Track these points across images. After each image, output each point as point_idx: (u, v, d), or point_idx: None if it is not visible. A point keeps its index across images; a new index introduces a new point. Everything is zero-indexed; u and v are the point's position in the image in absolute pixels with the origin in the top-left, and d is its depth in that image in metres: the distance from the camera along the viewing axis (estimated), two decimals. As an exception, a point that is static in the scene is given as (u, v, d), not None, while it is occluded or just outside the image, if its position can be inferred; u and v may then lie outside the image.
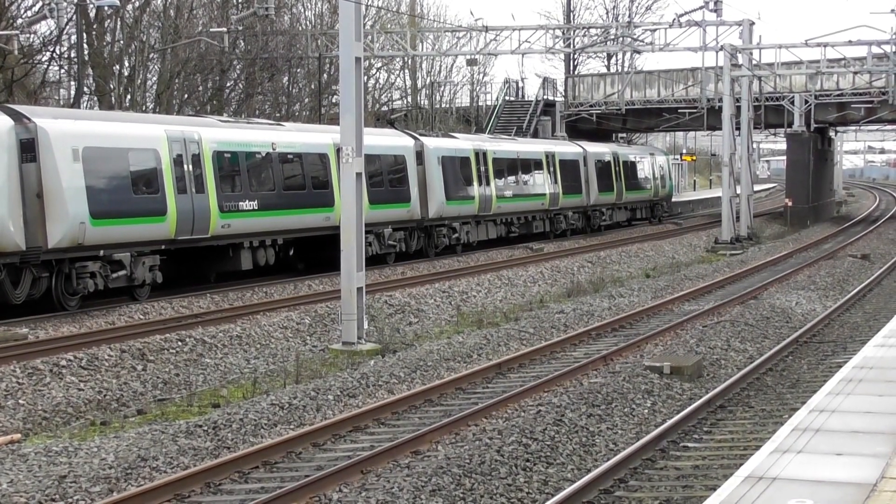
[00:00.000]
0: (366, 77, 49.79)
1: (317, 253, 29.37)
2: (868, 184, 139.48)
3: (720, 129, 47.73)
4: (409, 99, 63.32)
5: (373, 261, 29.61)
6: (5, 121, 20.58)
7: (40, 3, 36.36)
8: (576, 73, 66.38)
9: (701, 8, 44.37)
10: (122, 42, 42.20)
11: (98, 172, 21.93)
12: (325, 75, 50.37)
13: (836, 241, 45.95)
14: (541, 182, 42.09)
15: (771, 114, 56.97)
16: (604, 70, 70.12)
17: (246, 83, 48.89)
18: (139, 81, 40.80)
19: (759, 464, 8.88)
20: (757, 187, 69.67)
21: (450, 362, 18.47)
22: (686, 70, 57.95)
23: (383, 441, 13.24)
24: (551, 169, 42.81)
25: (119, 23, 42.42)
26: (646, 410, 15.07)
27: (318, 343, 20.40)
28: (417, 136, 34.80)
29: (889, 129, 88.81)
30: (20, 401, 15.07)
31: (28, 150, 20.73)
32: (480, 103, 63.10)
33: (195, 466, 11.99)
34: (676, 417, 14.09)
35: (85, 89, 40.27)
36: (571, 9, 71.61)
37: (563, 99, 59.42)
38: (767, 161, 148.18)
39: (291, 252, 29.37)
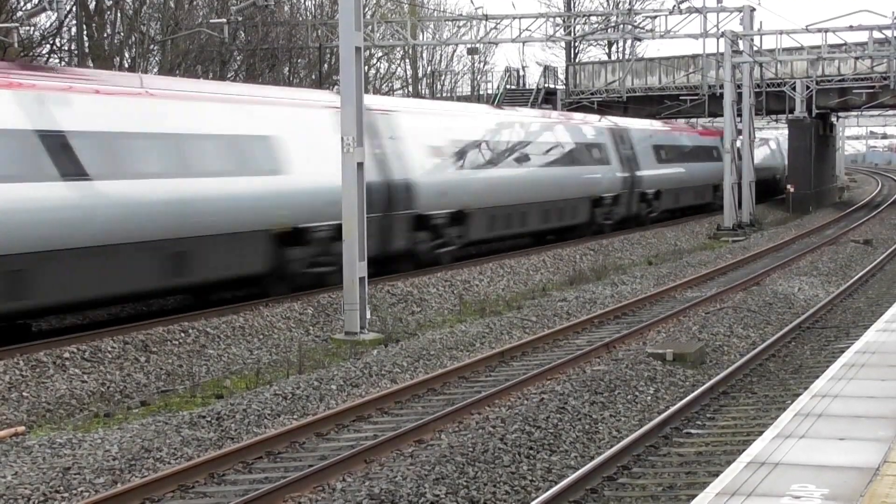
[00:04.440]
0: (366, 67, 49.77)
1: None
2: (870, 169, 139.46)
3: (721, 115, 47.70)
4: (411, 88, 63.31)
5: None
6: None
7: (40, -4, 36.33)
8: (577, 61, 66.36)
9: (701, -6, 44.27)
10: (122, 34, 42.20)
11: None
12: (325, 65, 50.34)
13: (839, 227, 45.93)
14: None
15: (772, 100, 56.93)
16: (605, 58, 70.07)
17: (247, 74, 48.83)
18: (140, 73, 40.76)
19: (762, 449, 8.90)
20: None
21: (452, 351, 18.49)
22: (687, 57, 57.93)
23: (387, 430, 13.26)
24: None
25: (119, 14, 42.41)
26: (649, 397, 15.08)
27: (321, 333, 20.42)
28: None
29: (891, 115, 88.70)
30: (24, 393, 15.09)
31: None
32: (481, 92, 63.05)
33: (199, 457, 12.01)
34: (679, 404, 14.10)
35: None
36: (572, -3, 71.51)
37: (564, 87, 59.38)
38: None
39: None
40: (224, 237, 20.08)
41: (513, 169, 32.19)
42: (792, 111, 56.75)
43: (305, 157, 22.76)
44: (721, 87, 47.74)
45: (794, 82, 55.43)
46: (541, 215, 33.54)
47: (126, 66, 40.69)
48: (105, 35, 41.86)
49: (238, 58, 48.80)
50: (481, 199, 29.49)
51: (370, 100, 25.82)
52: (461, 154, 29.12)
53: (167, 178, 19.39)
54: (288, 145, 22.53)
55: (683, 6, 44.03)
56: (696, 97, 55.12)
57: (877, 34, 44.91)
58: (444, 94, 62.36)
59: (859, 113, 78.46)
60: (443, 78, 64.77)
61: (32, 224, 16.76)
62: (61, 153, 17.57)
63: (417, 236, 26.61)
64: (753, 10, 45.38)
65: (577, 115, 42.39)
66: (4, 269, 16.35)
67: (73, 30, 38.60)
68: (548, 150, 34.96)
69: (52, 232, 17.01)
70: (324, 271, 22.78)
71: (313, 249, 22.59)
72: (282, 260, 21.97)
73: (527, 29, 45.77)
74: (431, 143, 27.86)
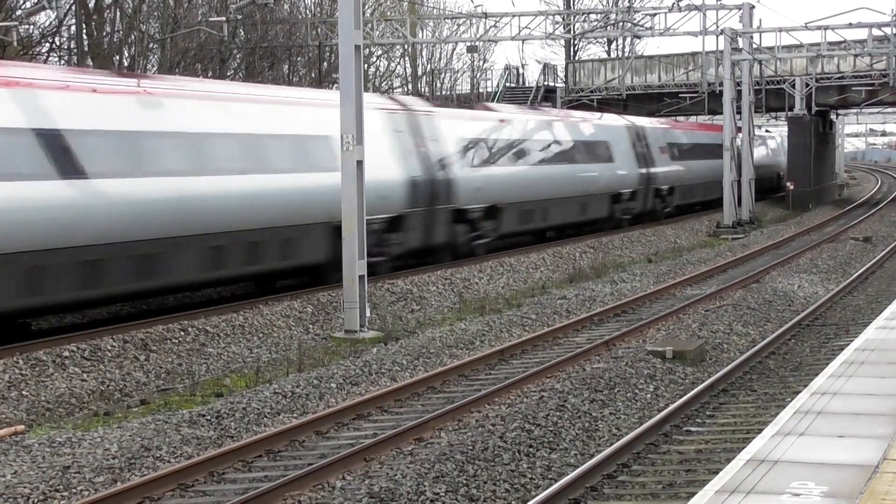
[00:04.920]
0: (366, 65, 49.71)
1: None
2: (870, 166, 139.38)
3: (721, 113, 47.68)
4: (410, 86, 63.27)
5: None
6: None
7: (39, -6, 36.27)
8: (576, 58, 66.36)
9: (701, -8, 44.21)
10: (121, 32, 42.17)
11: None
12: (325, 63, 50.31)
13: (838, 224, 45.93)
14: None
15: (772, 97, 56.90)
16: (604, 55, 70.07)
17: (246, 72, 48.82)
18: (139, 72, 40.73)
19: (762, 447, 8.90)
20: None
21: (452, 349, 18.49)
22: (686, 54, 57.88)
23: (386, 428, 13.25)
24: None
25: (118, 13, 42.38)
26: (648, 395, 15.08)
27: (321, 331, 20.41)
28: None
29: (890, 112, 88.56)
30: (23, 392, 15.09)
31: None
32: (481, 90, 63.02)
33: (198, 456, 12.01)
34: (679, 402, 14.10)
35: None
36: (571, -6, 71.44)
37: (563, 85, 59.34)
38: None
39: None
40: (598, 195, 38.60)
41: (697, 159, 50.09)
42: (791, 109, 56.73)
43: (623, 155, 40.99)
44: (720, 84, 47.71)
45: (794, 80, 55.39)
46: (705, 190, 50.62)
47: (126, 65, 40.66)
48: (104, 34, 41.84)
49: (237, 56, 48.78)
50: (683, 179, 47.57)
51: (644, 121, 46.53)
52: (674, 151, 47.38)
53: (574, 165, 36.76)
54: (617, 146, 40.67)
55: (683, 3, 43.96)
56: (695, 95, 55.09)
57: (876, 31, 44.86)
58: (444, 93, 62.30)
59: (859, 110, 78.41)
60: (442, 76, 64.75)
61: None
62: (522, 151, 33.05)
63: (656, 202, 45.08)
64: (753, 7, 45.34)
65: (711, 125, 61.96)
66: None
67: (73, 28, 38.59)
68: (712, 149, 49.92)
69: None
70: (627, 217, 41.25)
71: (625, 205, 41.02)
72: (612, 210, 39.95)
73: (526, 27, 45.72)
74: (661, 145, 45.97)
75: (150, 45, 42.22)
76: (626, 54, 63.86)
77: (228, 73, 47.61)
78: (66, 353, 16.46)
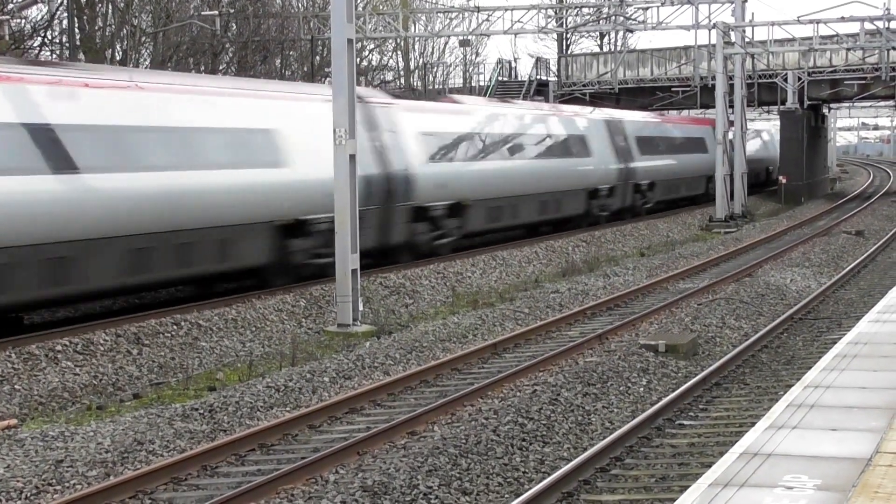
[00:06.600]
0: (358, 59, 49.67)
1: None
2: (862, 160, 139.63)
3: (714, 107, 47.70)
4: (402, 80, 63.21)
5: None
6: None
7: (31, -12, 36.17)
8: (569, 52, 66.29)
9: (693, -15, 44.14)
10: (113, 26, 42.06)
11: None
12: (317, 57, 50.24)
13: (831, 218, 45.99)
14: None
15: (764, 91, 56.98)
16: (596, 49, 70.02)
17: (238, 66, 48.75)
18: (131, 66, 40.60)
19: (755, 440, 8.90)
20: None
21: (445, 343, 18.49)
22: (679, 48, 57.96)
23: (379, 422, 13.25)
24: None
25: (110, 7, 42.27)
26: (641, 389, 15.09)
27: (314, 325, 20.40)
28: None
29: (882, 106, 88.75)
30: (16, 386, 15.07)
31: None
32: (473, 84, 62.98)
33: (191, 449, 12.00)
34: (672, 395, 14.11)
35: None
36: (564, -12, 71.32)
37: (556, 79, 59.32)
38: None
39: None
40: (698, 177, 51.53)
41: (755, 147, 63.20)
42: (784, 102, 56.78)
43: (711, 147, 49.09)
44: (713, 78, 47.73)
45: (786, 73, 55.47)
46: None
47: (118, 59, 40.55)
48: (97, 28, 41.71)
49: (230, 50, 48.68)
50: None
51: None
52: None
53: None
54: (709, 142, 50.35)
55: (675, -3, 43.90)
56: (688, 89, 55.14)
57: (868, 25, 44.83)
58: (437, 87, 62.25)
59: (851, 104, 78.55)
60: (435, 70, 64.72)
61: None
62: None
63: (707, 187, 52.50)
64: (745, 1, 45.34)
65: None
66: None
67: (65, 22, 38.49)
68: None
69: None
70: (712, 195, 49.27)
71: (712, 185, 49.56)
72: (707, 189, 50.66)
73: (518, 20, 45.67)
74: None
75: (143, 39, 42.12)
76: (618, 48, 63.82)
77: (221, 68, 47.52)
78: (59, 347, 16.44)
